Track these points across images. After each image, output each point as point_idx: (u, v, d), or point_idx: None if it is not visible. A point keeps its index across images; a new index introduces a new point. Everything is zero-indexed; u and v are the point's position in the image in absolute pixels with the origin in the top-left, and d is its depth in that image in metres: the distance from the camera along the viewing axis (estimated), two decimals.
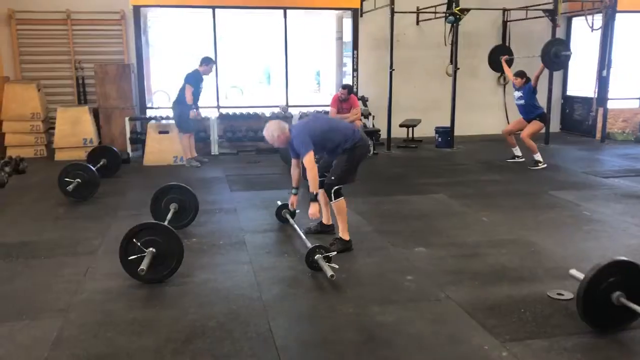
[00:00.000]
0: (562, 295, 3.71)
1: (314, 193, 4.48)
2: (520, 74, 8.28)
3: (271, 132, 4.62)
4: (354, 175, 4.76)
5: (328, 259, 4.08)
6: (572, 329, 3.30)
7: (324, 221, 5.07)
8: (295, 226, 5.00)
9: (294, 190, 4.95)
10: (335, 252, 4.29)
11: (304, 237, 4.68)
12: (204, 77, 8.27)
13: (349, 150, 4.60)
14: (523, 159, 8.48)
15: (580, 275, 3.38)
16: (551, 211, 5.91)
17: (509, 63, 8.89)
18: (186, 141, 8.35)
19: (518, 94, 8.32)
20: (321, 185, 4.80)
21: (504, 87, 8.68)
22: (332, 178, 4.59)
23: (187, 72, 8.16)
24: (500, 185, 7.17)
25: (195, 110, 8.07)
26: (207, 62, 8.24)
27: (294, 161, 4.86)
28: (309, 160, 4.44)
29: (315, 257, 4.10)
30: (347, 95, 8.53)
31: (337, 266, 4.03)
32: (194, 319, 3.44)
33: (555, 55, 7.71)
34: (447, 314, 3.53)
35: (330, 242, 4.62)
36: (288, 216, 5.28)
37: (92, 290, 3.91)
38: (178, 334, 3.27)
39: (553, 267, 4.28)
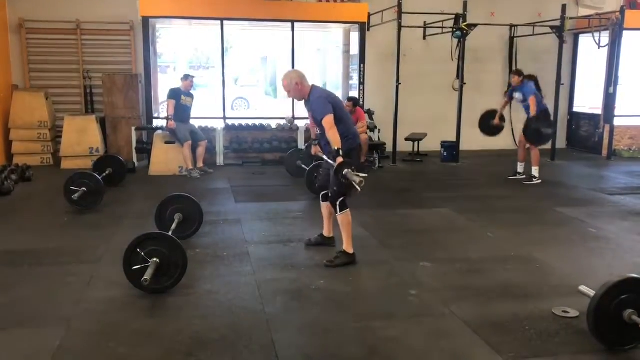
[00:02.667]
0: (568, 312, 3.67)
1: (336, 149, 4.32)
2: (517, 72, 8.04)
3: (291, 78, 4.53)
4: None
5: (357, 169, 4.18)
6: (578, 347, 3.27)
7: (325, 233, 5.04)
8: (325, 158, 4.75)
9: (314, 142, 4.95)
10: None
11: (329, 161, 4.52)
12: (190, 91, 8.75)
13: (351, 150, 4.53)
14: (524, 177, 8.31)
15: (591, 292, 3.35)
16: (557, 228, 5.88)
17: (499, 129, 8.57)
18: (187, 151, 8.48)
19: (519, 95, 7.99)
20: (325, 198, 4.81)
21: (510, 104, 8.68)
22: (335, 189, 4.54)
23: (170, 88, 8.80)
24: (506, 201, 7.14)
25: (171, 120, 8.44)
26: (185, 77, 8.81)
27: (311, 121, 4.86)
28: (329, 120, 4.35)
29: (345, 172, 4.13)
30: (353, 108, 8.58)
31: (365, 175, 4.11)
32: (197, 331, 3.42)
33: (537, 132, 7.63)
34: (451, 330, 3.50)
35: (334, 256, 4.60)
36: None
37: (95, 299, 3.90)
38: (180, 345, 3.25)
39: (558, 284, 4.25)
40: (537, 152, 8.05)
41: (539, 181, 8.05)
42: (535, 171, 8.08)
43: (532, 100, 7.73)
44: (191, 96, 8.78)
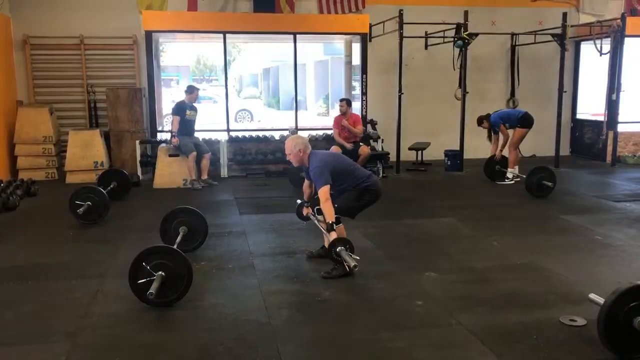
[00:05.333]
0: (575, 321, 3.65)
1: (330, 222, 4.46)
2: (480, 122, 8.87)
3: (294, 144, 4.66)
4: (357, 213, 4.85)
5: (351, 250, 4.20)
6: (586, 356, 3.25)
7: (326, 245, 5.03)
8: (316, 222, 4.89)
9: (306, 203, 5.02)
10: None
11: (324, 231, 4.63)
12: (194, 104, 8.78)
13: (360, 190, 4.68)
14: (513, 182, 8.59)
15: (600, 300, 3.33)
16: (562, 235, 5.86)
17: (503, 165, 8.86)
18: (191, 163, 8.52)
19: (495, 131, 8.83)
20: (320, 212, 4.82)
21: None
22: (336, 206, 4.57)
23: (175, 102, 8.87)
24: (511, 209, 7.13)
25: (175, 137, 8.48)
26: (190, 90, 8.79)
27: (306, 182, 4.95)
28: (325, 192, 4.48)
29: (338, 250, 4.21)
30: (348, 107, 8.87)
31: (358, 257, 4.15)
32: (203, 344, 3.41)
33: (539, 184, 7.69)
34: (458, 340, 3.49)
35: (331, 267, 4.57)
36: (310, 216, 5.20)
37: (101, 313, 3.90)
38: (186, 358, 3.25)
39: (565, 292, 4.23)
40: (515, 153, 8.62)
41: (512, 182, 8.60)
42: (510, 171, 8.65)
43: (502, 128, 8.64)
44: (195, 109, 8.83)
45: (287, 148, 4.72)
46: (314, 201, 4.87)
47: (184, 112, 8.60)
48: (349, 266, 4.24)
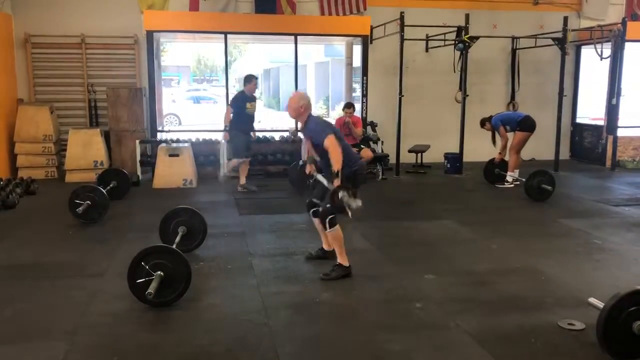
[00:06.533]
0: (573, 325, 3.65)
1: (336, 171, 4.33)
2: (483, 123, 8.89)
3: (300, 98, 4.70)
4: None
5: (354, 195, 4.20)
6: (584, 359, 3.26)
7: (325, 247, 5.02)
8: (320, 177, 4.78)
9: (308, 160, 4.98)
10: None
11: (325, 182, 4.61)
12: (253, 95, 8.07)
13: (351, 174, 4.53)
14: (512, 186, 8.58)
15: (600, 304, 3.33)
16: (561, 239, 5.87)
17: (502, 171, 8.85)
18: (240, 165, 8.07)
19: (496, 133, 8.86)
20: (315, 214, 4.82)
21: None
22: (328, 205, 4.50)
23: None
24: (510, 213, 7.13)
25: (226, 132, 7.97)
26: (249, 79, 7.97)
27: (308, 145, 4.89)
28: (332, 141, 4.39)
29: (341, 196, 4.18)
30: (353, 112, 8.95)
31: (361, 201, 4.17)
32: (201, 344, 3.42)
33: (538, 187, 7.69)
34: (457, 343, 3.49)
35: (330, 269, 4.57)
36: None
37: (100, 312, 3.90)
38: (184, 358, 3.25)
39: (563, 296, 4.23)
40: (515, 157, 8.62)
41: (511, 186, 8.58)
42: (510, 175, 8.63)
43: (501, 130, 8.65)
44: (254, 100, 8.03)
45: (290, 105, 4.72)
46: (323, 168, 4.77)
47: (243, 104, 7.82)
48: (350, 208, 4.21)
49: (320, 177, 4.76)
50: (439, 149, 10.28)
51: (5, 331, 3.61)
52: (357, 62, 10.74)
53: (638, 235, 5.98)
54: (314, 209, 4.84)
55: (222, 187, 8.55)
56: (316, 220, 4.87)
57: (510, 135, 8.69)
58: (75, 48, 9.80)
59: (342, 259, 4.60)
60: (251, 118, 8.09)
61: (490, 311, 3.95)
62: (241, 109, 7.87)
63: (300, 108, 4.64)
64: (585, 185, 9.16)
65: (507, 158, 8.78)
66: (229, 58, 10.23)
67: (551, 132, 10.26)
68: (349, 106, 9.04)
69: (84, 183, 7.22)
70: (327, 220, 4.51)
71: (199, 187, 8.59)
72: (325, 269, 4.61)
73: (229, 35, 9.85)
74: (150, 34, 9.37)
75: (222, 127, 8.10)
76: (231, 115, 7.92)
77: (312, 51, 20.98)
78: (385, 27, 9.85)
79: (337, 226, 4.57)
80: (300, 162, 5.12)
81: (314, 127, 4.61)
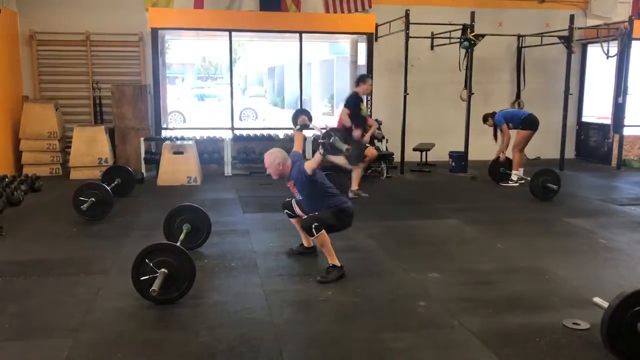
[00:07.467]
0: (579, 325, 3.63)
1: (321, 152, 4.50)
2: (485, 119, 8.89)
3: (273, 158, 4.67)
4: (331, 231, 4.59)
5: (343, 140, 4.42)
6: (589, 359, 3.24)
7: (305, 244, 5.09)
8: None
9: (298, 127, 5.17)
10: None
11: (318, 127, 4.75)
12: (365, 96, 7.68)
13: (338, 210, 4.61)
14: (517, 185, 8.57)
15: (605, 304, 3.31)
16: (566, 238, 5.84)
17: (506, 169, 8.79)
18: (357, 173, 7.61)
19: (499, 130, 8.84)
20: (290, 215, 4.99)
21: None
22: (316, 214, 4.51)
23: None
24: (515, 212, 7.11)
25: (356, 129, 7.30)
26: (363, 79, 7.51)
27: (293, 189, 4.80)
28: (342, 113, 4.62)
29: (332, 140, 4.39)
30: None
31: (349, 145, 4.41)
32: (204, 342, 3.41)
33: (544, 186, 7.65)
34: (460, 342, 3.48)
35: (326, 272, 4.50)
36: None
37: (104, 309, 3.91)
38: (188, 356, 3.25)
39: (569, 295, 4.21)
40: (518, 155, 8.65)
41: (516, 184, 8.59)
42: (515, 174, 8.63)
43: (504, 127, 8.64)
44: (363, 102, 7.52)
45: (266, 162, 4.71)
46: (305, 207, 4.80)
47: (357, 105, 7.29)
48: (342, 151, 4.47)
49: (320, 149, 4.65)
50: (444, 148, 10.25)
51: (9, 327, 3.61)
52: (362, 60, 10.72)
53: None
54: (287, 212, 5.00)
55: (226, 185, 8.56)
56: (293, 220, 5.02)
57: (512, 133, 8.66)
58: (80, 45, 9.82)
59: (332, 260, 4.54)
60: (363, 121, 7.53)
61: (494, 310, 3.93)
62: (355, 111, 7.34)
63: (279, 165, 4.65)
64: (590, 184, 9.12)
65: (510, 155, 8.76)
66: (233, 56, 10.23)
67: (557, 131, 10.23)
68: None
69: (88, 180, 7.23)
70: (313, 226, 4.45)
71: (203, 184, 8.59)
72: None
73: (233, 33, 9.85)
74: (154, 32, 9.38)
75: (353, 129, 7.31)
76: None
77: (317, 49, 20.99)
78: (391, 25, 9.83)
79: (323, 231, 4.48)
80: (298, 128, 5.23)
81: (296, 174, 4.64)
